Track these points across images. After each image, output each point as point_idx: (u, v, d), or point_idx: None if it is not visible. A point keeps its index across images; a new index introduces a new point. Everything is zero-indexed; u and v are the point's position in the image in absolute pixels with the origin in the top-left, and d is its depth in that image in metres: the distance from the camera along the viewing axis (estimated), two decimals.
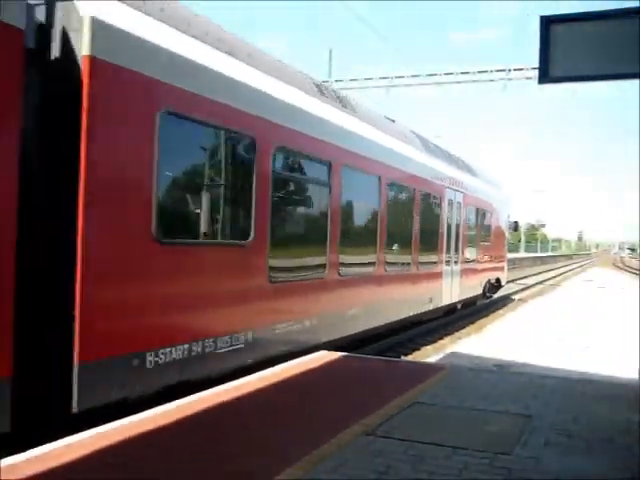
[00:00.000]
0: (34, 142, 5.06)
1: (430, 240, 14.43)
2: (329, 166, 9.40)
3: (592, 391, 7.05)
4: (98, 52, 5.26)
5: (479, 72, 28.37)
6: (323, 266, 9.42)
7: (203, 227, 6.94)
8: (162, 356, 6.08)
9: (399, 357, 11.57)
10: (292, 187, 8.90)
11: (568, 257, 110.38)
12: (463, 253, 17.04)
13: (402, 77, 29.36)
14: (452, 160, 16.66)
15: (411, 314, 13.47)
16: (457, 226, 16.42)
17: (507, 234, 24.08)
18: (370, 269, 11.18)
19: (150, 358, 5.93)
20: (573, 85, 23.77)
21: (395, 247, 12.35)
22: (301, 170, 9.09)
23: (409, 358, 11.86)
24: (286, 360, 8.00)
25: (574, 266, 71.61)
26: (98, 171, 5.33)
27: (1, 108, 4.40)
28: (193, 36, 6.61)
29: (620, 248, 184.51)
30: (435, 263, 14.87)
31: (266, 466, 4.29)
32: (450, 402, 6.23)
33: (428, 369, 8.24)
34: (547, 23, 5.28)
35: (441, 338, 14.57)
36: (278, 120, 8.06)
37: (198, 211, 6.91)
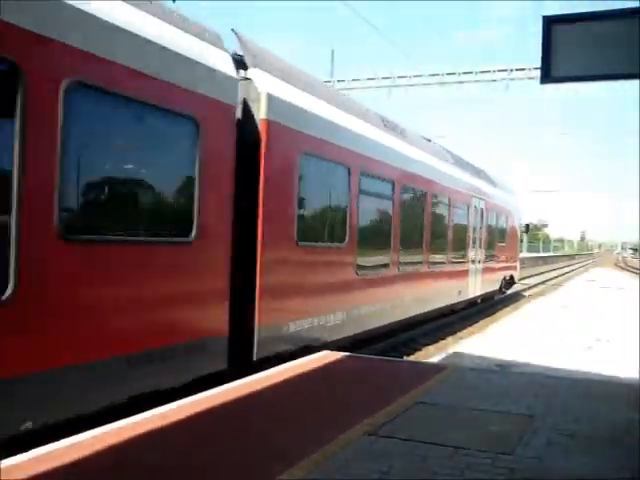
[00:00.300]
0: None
1: (460, 242, 17.02)
2: (393, 185, 12.02)
3: (593, 391, 7.05)
4: (269, 115, 7.69)
5: (481, 72, 28.40)
6: (388, 264, 12.05)
7: (321, 233, 9.74)
8: (297, 326, 8.64)
9: (401, 357, 11.59)
10: (369, 202, 11.19)
11: (570, 257, 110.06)
12: (484, 253, 19.53)
13: (404, 77, 29.36)
14: (475, 171, 19.32)
15: (446, 304, 16.27)
16: (480, 229, 18.88)
17: (519, 236, 26.67)
18: (417, 267, 13.82)
19: (292, 326, 8.51)
20: (575, 85, 23.76)
21: (435, 248, 14.86)
22: (375, 189, 11.42)
23: (411, 358, 11.87)
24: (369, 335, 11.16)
25: (576, 266, 71.46)
26: (269, 198, 7.73)
27: (228, 160, 6.98)
28: (315, 95, 9.19)
29: (623, 248, 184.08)
30: (463, 262, 17.44)
31: (268, 466, 4.30)
32: (452, 402, 6.24)
33: (430, 369, 8.25)
34: (549, 23, 5.29)
35: (443, 338, 14.58)
36: (361, 151, 10.48)
37: (317, 222, 9.76)
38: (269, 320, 7.90)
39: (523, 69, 27.62)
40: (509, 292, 24.72)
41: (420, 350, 12.94)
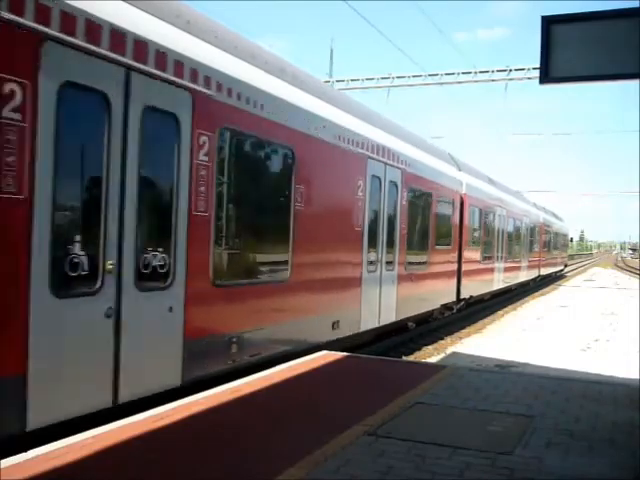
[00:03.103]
0: None
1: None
2: (494, 214, 20.56)
3: (593, 391, 7.05)
4: (467, 191, 17.88)
5: (480, 72, 28.31)
6: (492, 257, 21.18)
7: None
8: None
9: (400, 357, 11.58)
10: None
11: (569, 257, 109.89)
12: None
13: (403, 77, 29.29)
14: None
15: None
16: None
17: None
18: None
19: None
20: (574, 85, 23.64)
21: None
22: (486, 215, 19.81)
23: (410, 358, 11.86)
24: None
25: (575, 266, 71.46)
26: (465, 229, 17.58)
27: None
28: (480, 178, 20.05)
29: (622, 248, 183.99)
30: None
31: (268, 466, 4.30)
32: (451, 402, 6.24)
33: (429, 369, 8.25)
34: (548, 23, 5.28)
35: (442, 338, 14.58)
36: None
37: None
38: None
39: (522, 69, 27.56)
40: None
41: (419, 350, 12.94)
